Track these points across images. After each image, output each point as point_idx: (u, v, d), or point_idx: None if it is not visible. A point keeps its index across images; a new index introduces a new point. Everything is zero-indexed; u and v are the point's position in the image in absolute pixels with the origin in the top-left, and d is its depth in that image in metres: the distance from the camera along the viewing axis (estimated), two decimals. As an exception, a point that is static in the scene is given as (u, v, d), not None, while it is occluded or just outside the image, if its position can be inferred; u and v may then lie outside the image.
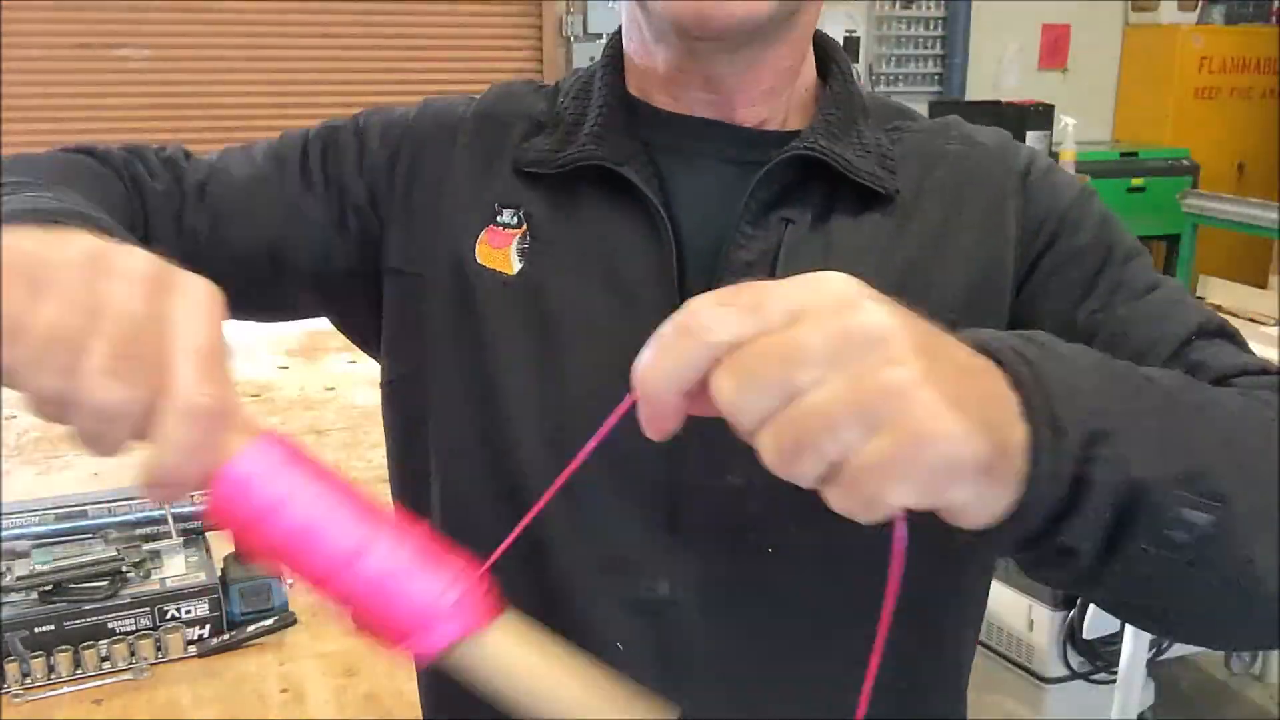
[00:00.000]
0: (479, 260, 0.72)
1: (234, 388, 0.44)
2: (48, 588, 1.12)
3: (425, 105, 0.81)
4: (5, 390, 0.44)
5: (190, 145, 0.81)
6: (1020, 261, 0.69)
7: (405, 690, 1.11)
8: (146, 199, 0.74)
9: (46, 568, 1.12)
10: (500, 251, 0.72)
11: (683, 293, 0.67)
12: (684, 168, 0.71)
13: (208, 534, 1.26)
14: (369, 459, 1.71)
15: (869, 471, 0.37)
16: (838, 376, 0.37)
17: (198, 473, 0.42)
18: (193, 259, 0.72)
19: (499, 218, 0.73)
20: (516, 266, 0.71)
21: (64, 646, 1.10)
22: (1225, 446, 0.47)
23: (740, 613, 0.68)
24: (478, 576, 0.46)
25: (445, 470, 0.75)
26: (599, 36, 4.94)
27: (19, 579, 1.11)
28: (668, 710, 0.44)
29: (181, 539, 1.23)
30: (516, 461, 0.70)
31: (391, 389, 0.79)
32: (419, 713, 1.08)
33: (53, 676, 1.10)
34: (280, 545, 0.44)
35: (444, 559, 0.46)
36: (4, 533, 1.15)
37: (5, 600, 1.11)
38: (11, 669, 1.08)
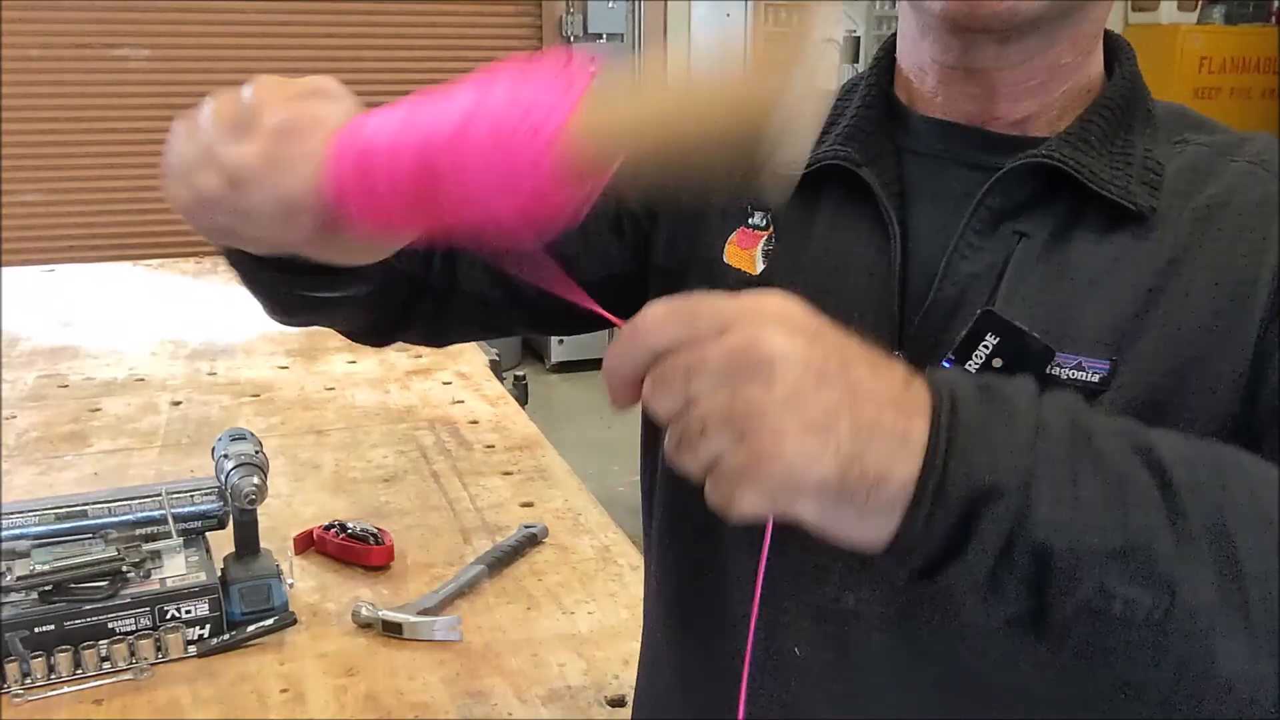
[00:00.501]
0: (726, 260, 0.75)
1: (341, 110, 0.54)
2: (48, 588, 1.12)
3: None
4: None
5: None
6: (1278, 291, 0.61)
7: (405, 690, 1.11)
8: None
9: (46, 568, 1.12)
10: (747, 252, 0.74)
11: (904, 300, 0.67)
12: (929, 172, 0.69)
13: (207, 534, 1.26)
14: (369, 459, 1.71)
15: (726, 476, 0.44)
16: (723, 390, 0.44)
17: (308, 180, 0.51)
18: (497, 274, 0.81)
19: (750, 219, 0.75)
20: (760, 267, 0.73)
21: (64, 646, 1.10)
22: (1208, 530, 0.45)
23: (920, 635, 0.68)
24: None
25: (668, 462, 0.80)
26: (599, 36, 4.94)
27: (19, 579, 1.11)
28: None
29: (181, 539, 1.23)
30: None
31: None
32: (419, 713, 1.08)
33: (53, 676, 1.10)
34: (421, 162, 0.50)
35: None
36: (4, 533, 1.15)
37: (5, 600, 1.11)
38: (11, 669, 1.08)
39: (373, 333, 0.80)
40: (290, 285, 0.63)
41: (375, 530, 1.39)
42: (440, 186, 0.49)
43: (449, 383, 2.10)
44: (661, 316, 0.46)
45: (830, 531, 0.46)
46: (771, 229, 0.73)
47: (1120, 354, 0.61)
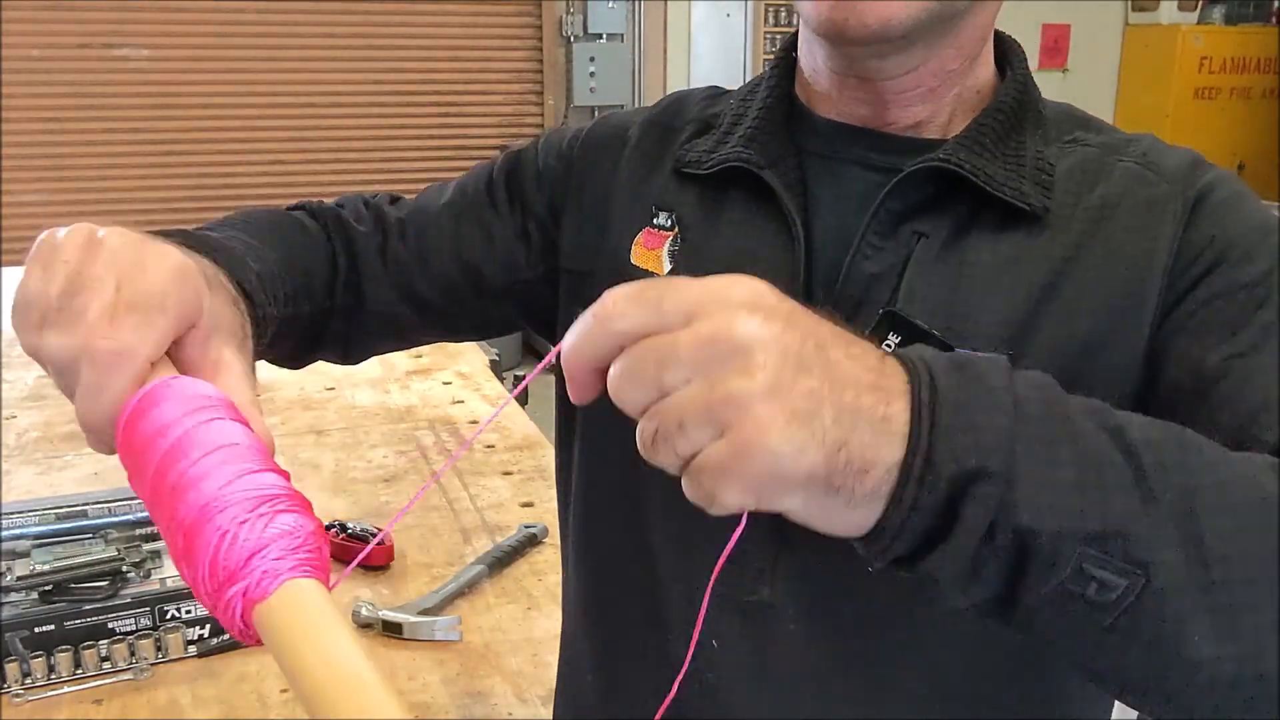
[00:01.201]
0: (633, 261, 0.75)
1: (152, 340, 0.50)
2: (48, 588, 1.12)
3: (601, 118, 0.85)
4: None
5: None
6: (1169, 289, 0.63)
7: (405, 690, 1.11)
8: (354, 240, 0.82)
9: (46, 568, 1.12)
10: (653, 253, 0.75)
11: (808, 301, 0.68)
12: (829, 174, 0.70)
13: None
14: (369, 459, 1.71)
15: (707, 471, 0.41)
16: (699, 381, 0.41)
17: (106, 413, 0.49)
18: (405, 288, 0.82)
19: (655, 220, 0.75)
20: (667, 268, 0.74)
21: (64, 646, 1.10)
22: (1176, 513, 0.44)
23: (835, 626, 0.68)
24: (313, 532, 0.47)
25: (585, 456, 0.80)
26: (599, 36, 4.94)
27: (19, 579, 1.11)
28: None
29: (181, 539, 1.23)
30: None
31: (558, 381, 0.84)
32: (419, 712, 1.08)
33: (53, 676, 1.10)
34: (152, 476, 0.47)
35: (293, 507, 0.46)
36: (4, 533, 1.15)
37: (5, 600, 1.11)
38: (11, 669, 1.08)
39: (289, 357, 0.80)
40: None
41: (375, 530, 1.39)
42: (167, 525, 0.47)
43: (449, 383, 2.10)
44: (625, 301, 0.43)
45: (814, 522, 0.44)
46: (677, 229, 0.74)
47: (1016, 349, 0.63)
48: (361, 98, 4.75)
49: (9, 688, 1.08)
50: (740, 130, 0.73)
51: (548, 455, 1.73)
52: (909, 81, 0.67)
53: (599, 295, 0.77)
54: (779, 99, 0.73)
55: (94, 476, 1.63)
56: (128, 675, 1.11)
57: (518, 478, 1.64)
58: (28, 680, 1.09)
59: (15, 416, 1.87)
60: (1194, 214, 0.64)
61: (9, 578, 1.11)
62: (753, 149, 0.71)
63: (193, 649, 1.16)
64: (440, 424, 1.87)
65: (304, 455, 1.72)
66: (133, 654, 1.12)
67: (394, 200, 0.87)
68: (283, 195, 4.66)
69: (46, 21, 4.31)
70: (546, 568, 1.36)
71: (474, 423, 1.88)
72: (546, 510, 1.52)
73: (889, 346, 0.63)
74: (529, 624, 1.23)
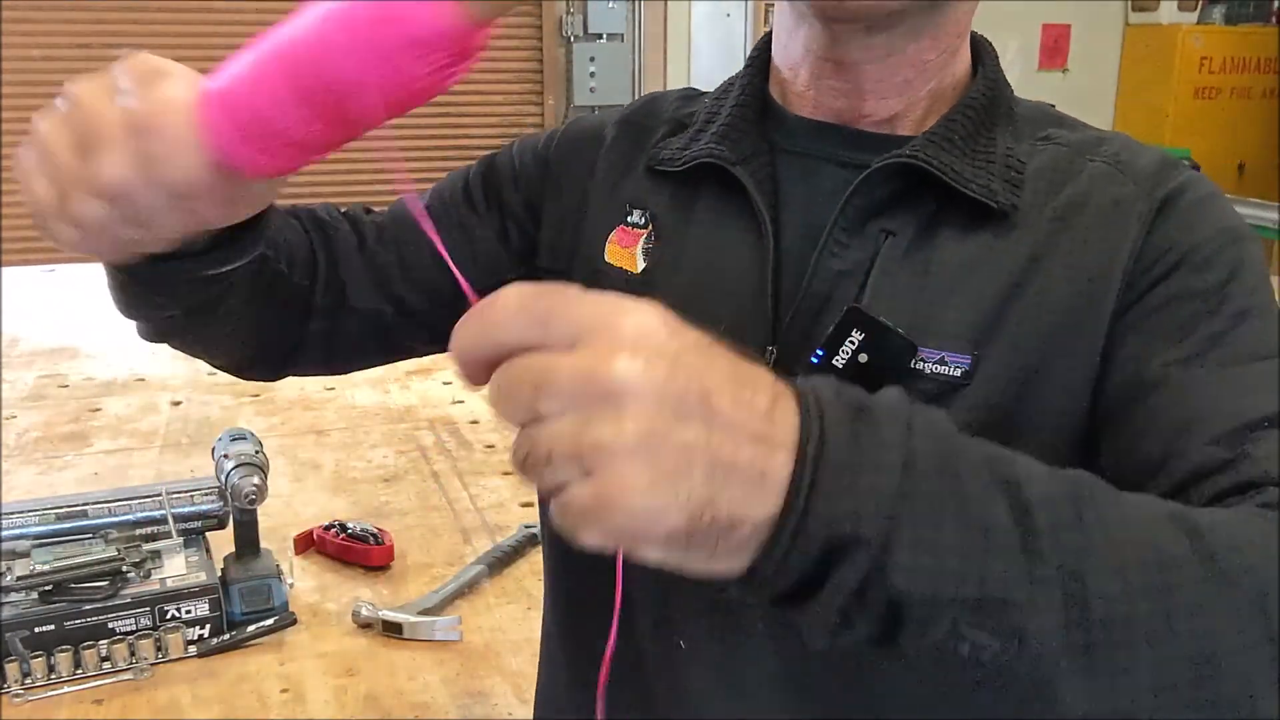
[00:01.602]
0: (607, 259, 0.75)
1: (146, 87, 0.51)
2: (48, 588, 1.12)
3: (576, 118, 0.85)
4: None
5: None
6: (1127, 290, 0.63)
7: (405, 690, 1.11)
8: (331, 238, 0.80)
9: (46, 568, 1.12)
10: (627, 251, 0.75)
11: (777, 298, 0.68)
12: (801, 170, 0.71)
13: (207, 534, 1.26)
14: (369, 459, 1.71)
15: (570, 509, 0.41)
16: (570, 418, 0.40)
17: (192, 157, 0.51)
18: (386, 288, 0.81)
19: (629, 218, 0.75)
20: (641, 265, 0.74)
21: (64, 646, 1.10)
22: (1062, 575, 0.44)
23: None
24: None
25: None
26: (599, 36, 4.94)
27: (19, 579, 1.11)
28: None
29: (181, 539, 1.23)
30: None
31: None
32: (419, 712, 1.08)
33: (53, 676, 1.10)
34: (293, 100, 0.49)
35: None
36: (4, 533, 1.15)
37: (5, 600, 1.11)
38: (11, 669, 1.08)
39: (264, 360, 0.79)
40: (195, 270, 0.62)
41: (375, 530, 1.39)
42: (339, 81, 0.48)
43: (449, 383, 2.10)
44: (514, 307, 0.42)
45: (677, 569, 0.43)
46: (651, 227, 0.74)
47: (981, 349, 0.63)
48: (361, 98, 4.75)
49: (9, 688, 1.08)
50: (713, 127, 0.73)
51: (548, 455, 1.73)
52: (887, 69, 0.67)
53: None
54: (752, 96, 0.73)
55: (94, 476, 1.63)
56: (128, 675, 1.12)
57: (518, 478, 1.64)
58: (28, 680, 1.09)
59: (15, 416, 1.87)
60: (1160, 216, 0.64)
61: (9, 578, 1.11)
62: (725, 145, 0.71)
63: (193, 649, 1.16)
64: (440, 424, 1.87)
65: (304, 455, 1.72)
66: (133, 654, 1.12)
67: (368, 211, 0.87)
68: (282, 195, 4.66)
69: (46, 21, 4.31)
70: (546, 568, 1.36)
71: (474, 423, 1.88)
72: (546, 510, 1.53)
73: (853, 343, 0.64)
74: (529, 624, 1.23)
